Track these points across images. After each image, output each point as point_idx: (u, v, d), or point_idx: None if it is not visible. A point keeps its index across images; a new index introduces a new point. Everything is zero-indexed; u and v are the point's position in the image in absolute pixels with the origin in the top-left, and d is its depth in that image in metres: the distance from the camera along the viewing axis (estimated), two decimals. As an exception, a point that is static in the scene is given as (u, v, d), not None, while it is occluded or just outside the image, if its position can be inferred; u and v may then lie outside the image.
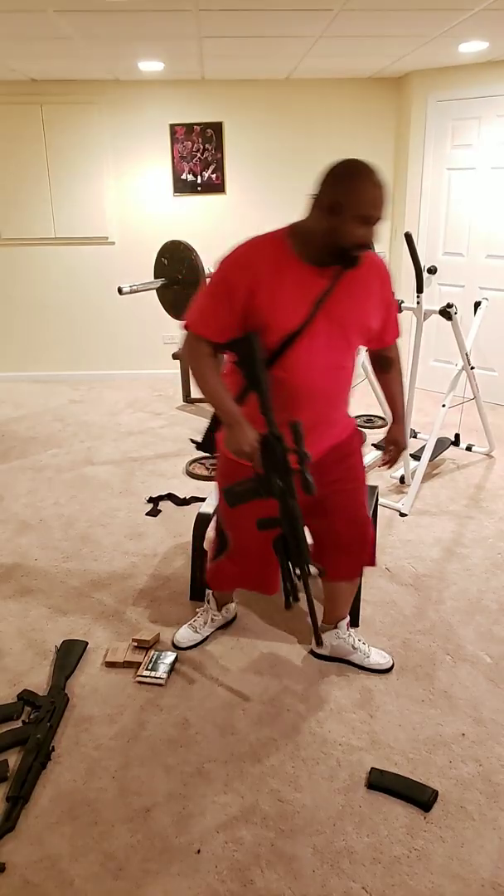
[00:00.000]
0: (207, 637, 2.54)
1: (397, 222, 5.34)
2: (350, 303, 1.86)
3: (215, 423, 2.14)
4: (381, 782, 1.93)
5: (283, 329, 1.81)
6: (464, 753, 2.04)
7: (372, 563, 2.28)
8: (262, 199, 5.43)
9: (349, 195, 1.67)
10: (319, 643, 2.36)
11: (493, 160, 4.59)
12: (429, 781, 1.94)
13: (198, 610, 2.63)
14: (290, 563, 1.93)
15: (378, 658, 2.39)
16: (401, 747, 2.06)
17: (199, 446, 2.23)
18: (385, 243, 5.27)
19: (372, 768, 1.97)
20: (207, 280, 3.84)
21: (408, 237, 3.34)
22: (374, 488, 2.87)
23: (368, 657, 2.38)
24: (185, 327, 1.90)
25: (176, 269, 3.87)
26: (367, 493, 2.23)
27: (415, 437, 4.10)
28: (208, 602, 2.57)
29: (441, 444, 3.88)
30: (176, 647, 2.50)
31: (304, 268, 1.79)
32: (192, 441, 2.26)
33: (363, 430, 4.59)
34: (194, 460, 4.10)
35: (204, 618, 2.56)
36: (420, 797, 1.88)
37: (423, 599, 2.76)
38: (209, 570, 2.43)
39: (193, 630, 2.53)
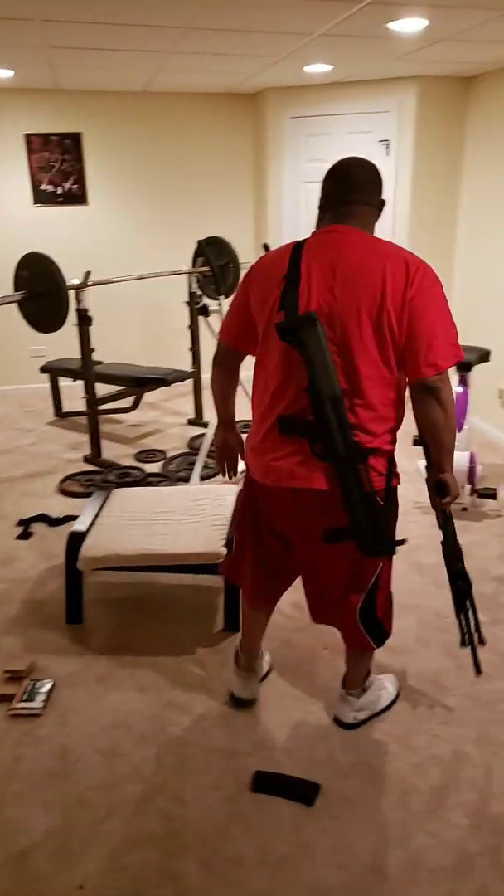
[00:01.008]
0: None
1: (260, 233, 5.48)
2: None
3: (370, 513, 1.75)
4: (265, 784, 1.95)
5: None
6: (343, 743, 2.10)
7: None
8: (125, 209, 5.39)
9: None
10: (479, 670, 2.10)
11: (345, 174, 4.81)
12: (311, 776, 1.98)
13: None
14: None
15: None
16: (283, 746, 2.10)
17: (368, 546, 1.78)
18: (250, 254, 5.39)
19: (256, 771, 1.99)
20: (71, 292, 3.75)
21: (266, 249, 3.43)
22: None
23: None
24: (453, 362, 1.72)
25: (36, 281, 3.74)
26: None
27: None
28: None
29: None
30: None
31: None
32: (332, 532, 1.83)
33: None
34: (68, 477, 3.98)
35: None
36: (303, 793, 1.92)
37: (300, 597, 2.81)
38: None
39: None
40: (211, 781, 1.98)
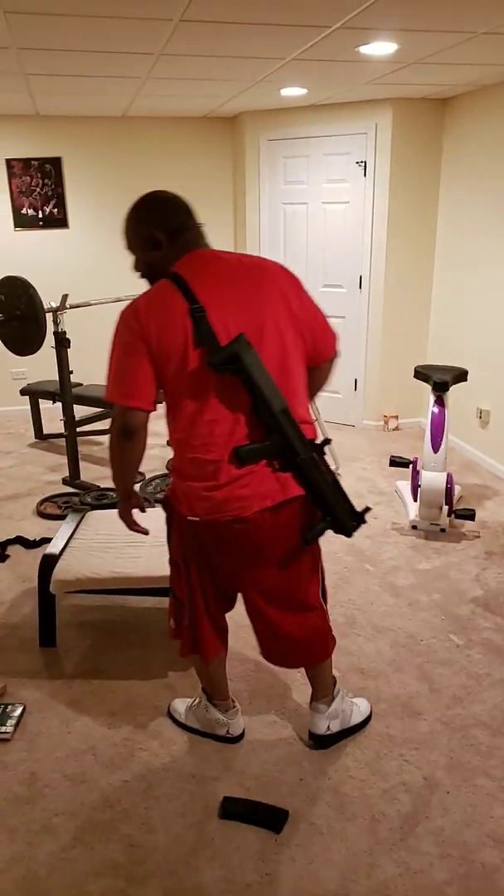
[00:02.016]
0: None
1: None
2: None
3: None
4: (233, 810, 1.93)
5: None
6: (313, 768, 2.08)
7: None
8: (105, 233, 5.42)
9: None
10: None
11: (322, 195, 4.88)
12: (280, 802, 1.96)
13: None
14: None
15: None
16: (253, 771, 2.07)
17: None
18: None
19: (224, 797, 1.97)
20: (49, 315, 3.77)
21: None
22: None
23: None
24: None
25: (14, 304, 3.75)
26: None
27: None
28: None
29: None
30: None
31: None
32: (311, 529, 1.86)
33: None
34: (45, 499, 3.96)
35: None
36: (271, 820, 1.90)
37: (275, 620, 2.81)
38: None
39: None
40: (178, 808, 1.95)
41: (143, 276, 1.85)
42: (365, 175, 4.67)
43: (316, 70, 3.55)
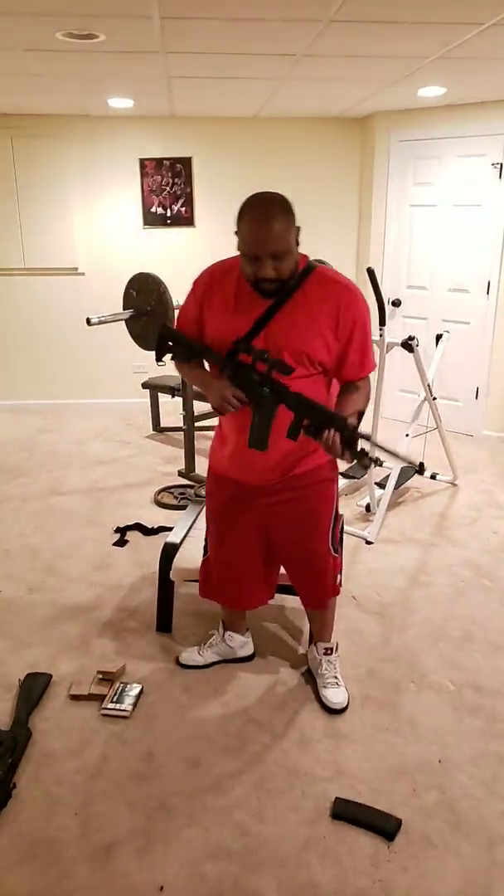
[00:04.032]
0: (210, 664, 2.55)
1: (362, 257, 5.47)
2: (289, 326, 1.88)
3: None
4: (345, 812, 1.93)
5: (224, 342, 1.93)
6: (427, 781, 2.05)
7: (331, 594, 2.32)
8: (231, 233, 5.51)
9: (239, 233, 1.83)
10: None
11: (452, 198, 4.75)
12: (392, 810, 1.94)
13: (211, 632, 2.65)
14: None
15: (332, 696, 2.35)
16: (365, 776, 2.06)
17: None
18: (351, 277, 5.39)
19: (336, 798, 1.97)
20: (176, 312, 3.89)
21: (370, 272, 3.43)
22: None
23: (324, 689, 2.37)
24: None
25: (144, 300, 3.91)
26: (330, 524, 2.21)
27: (380, 465, 4.16)
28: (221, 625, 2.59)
29: (405, 473, 3.94)
30: (178, 664, 2.56)
31: (250, 291, 1.89)
32: None
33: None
34: (162, 489, 4.10)
35: (211, 641, 2.59)
36: (384, 827, 1.89)
37: (388, 627, 2.78)
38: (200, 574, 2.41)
39: (197, 652, 2.56)
40: (290, 802, 1.98)
41: (282, 281, 1.85)
42: (500, 177, 4.50)
43: (460, 69, 3.47)
